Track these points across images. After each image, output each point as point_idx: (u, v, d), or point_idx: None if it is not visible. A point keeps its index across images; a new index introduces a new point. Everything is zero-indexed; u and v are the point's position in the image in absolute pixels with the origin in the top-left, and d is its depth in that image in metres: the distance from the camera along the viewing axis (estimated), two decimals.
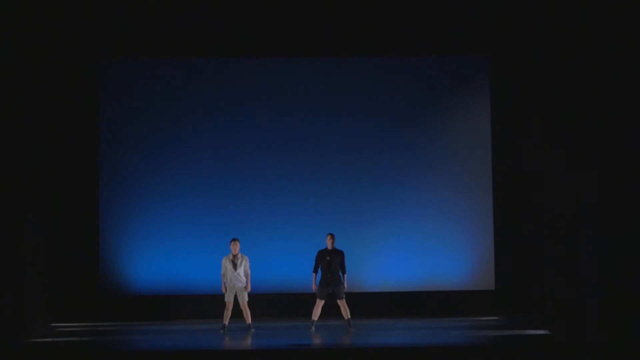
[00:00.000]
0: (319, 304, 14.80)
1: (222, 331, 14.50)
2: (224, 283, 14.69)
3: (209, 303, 16.56)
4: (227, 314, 14.64)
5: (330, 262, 14.70)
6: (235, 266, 14.62)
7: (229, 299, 14.67)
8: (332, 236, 14.90)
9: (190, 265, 17.05)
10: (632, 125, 14.09)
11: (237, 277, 14.63)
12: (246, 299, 14.70)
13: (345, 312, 14.82)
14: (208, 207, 17.24)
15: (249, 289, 14.71)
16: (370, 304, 16.88)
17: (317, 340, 13.53)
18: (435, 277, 17.12)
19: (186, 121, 17.39)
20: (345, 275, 14.86)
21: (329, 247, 14.83)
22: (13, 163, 15.40)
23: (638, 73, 13.91)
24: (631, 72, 13.96)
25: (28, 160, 15.92)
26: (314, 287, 14.85)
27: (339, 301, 14.81)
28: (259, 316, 15.55)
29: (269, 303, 16.59)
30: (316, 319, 14.81)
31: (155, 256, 17.12)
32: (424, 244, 17.22)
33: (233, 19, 16.75)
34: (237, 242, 14.75)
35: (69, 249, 16.78)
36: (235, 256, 14.68)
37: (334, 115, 17.46)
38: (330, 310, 15.18)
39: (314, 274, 14.87)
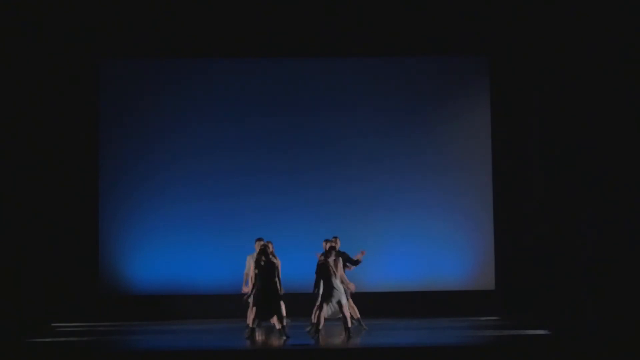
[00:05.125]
0: None
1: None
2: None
3: (209, 303, 16.55)
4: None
5: None
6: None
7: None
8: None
9: (191, 265, 17.05)
10: (632, 125, 14.09)
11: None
12: None
13: None
14: (208, 208, 17.24)
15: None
16: (371, 304, 16.87)
17: (317, 341, 13.52)
18: (435, 277, 17.12)
19: (186, 121, 17.39)
20: None
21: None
22: (13, 163, 15.41)
23: (638, 73, 13.92)
24: (631, 72, 13.97)
25: (28, 160, 15.93)
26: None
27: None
28: None
29: None
30: None
31: (155, 256, 17.13)
32: (424, 244, 17.22)
33: (232, 19, 16.77)
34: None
35: (69, 249, 16.77)
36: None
37: (334, 116, 17.46)
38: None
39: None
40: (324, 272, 13.79)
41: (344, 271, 14.24)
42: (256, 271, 13.64)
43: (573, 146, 15.45)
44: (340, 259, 14.03)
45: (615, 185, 14.34)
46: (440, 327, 15.33)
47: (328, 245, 14.25)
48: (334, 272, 13.72)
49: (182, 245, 17.09)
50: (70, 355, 12.64)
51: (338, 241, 14.77)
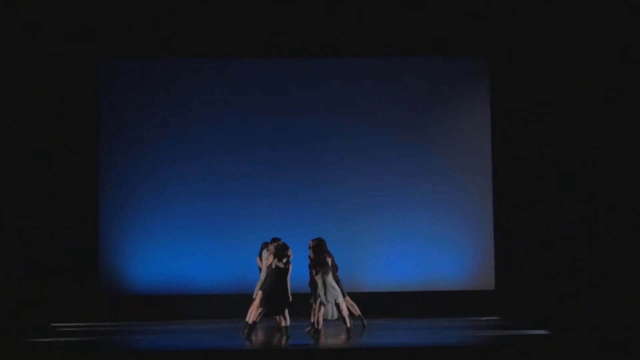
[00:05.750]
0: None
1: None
2: None
3: (209, 303, 16.54)
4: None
5: None
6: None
7: None
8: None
9: (191, 265, 17.06)
10: (631, 125, 14.11)
11: None
12: None
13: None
14: (208, 207, 17.25)
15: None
16: (371, 304, 16.87)
17: (317, 341, 13.53)
18: (435, 277, 17.12)
19: (186, 121, 17.40)
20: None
21: None
22: (13, 162, 15.42)
23: (638, 73, 13.93)
24: (631, 73, 13.99)
25: (28, 160, 15.94)
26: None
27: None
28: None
29: None
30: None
31: (155, 256, 17.14)
32: (424, 244, 17.22)
33: (232, 19, 16.78)
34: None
35: (69, 249, 16.77)
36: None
37: (334, 116, 17.46)
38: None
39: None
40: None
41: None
42: (273, 267, 13.59)
43: (573, 146, 15.47)
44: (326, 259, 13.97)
45: (615, 184, 14.36)
46: (440, 327, 15.33)
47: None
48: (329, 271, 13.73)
49: (183, 245, 17.09)
50: (70, 355, 12.64)
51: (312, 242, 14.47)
